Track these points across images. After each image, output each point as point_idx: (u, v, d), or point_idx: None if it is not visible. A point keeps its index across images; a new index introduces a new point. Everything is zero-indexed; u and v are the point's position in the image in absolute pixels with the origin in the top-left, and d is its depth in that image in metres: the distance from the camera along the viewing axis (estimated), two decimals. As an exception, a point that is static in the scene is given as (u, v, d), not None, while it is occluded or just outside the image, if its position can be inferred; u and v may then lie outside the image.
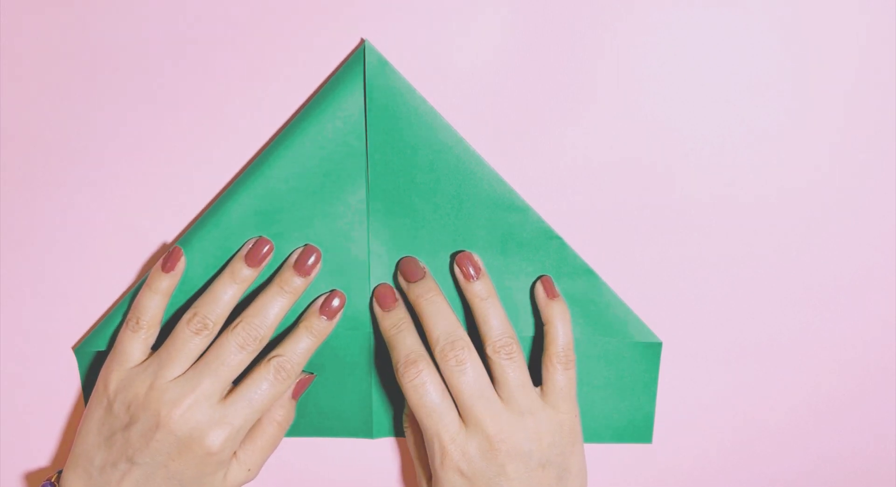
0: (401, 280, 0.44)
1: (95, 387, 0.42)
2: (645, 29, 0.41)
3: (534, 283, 0.44)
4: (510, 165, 0.43)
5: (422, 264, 0.44)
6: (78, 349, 0.45)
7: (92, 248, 0.44)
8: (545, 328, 0.43)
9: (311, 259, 0.42)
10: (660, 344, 0.46)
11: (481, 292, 0.43)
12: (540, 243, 0.44)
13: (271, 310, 0.41)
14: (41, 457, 0.48)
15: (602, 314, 0.45)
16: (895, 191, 0.44)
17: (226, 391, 0.41)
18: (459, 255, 0.43)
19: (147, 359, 0.41)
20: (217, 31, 0.41)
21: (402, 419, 0.47)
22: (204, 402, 0.40)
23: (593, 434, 0.47)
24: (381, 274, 0.44)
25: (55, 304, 0.45)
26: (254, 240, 0.42)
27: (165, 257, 0.42)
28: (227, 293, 0.41)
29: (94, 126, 0.42)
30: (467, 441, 0.40)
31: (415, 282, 0.43)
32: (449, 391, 0.41)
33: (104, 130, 0.43)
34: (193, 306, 0.41)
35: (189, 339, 0.40)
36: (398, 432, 0.48)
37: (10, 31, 0.41)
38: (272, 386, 0.41)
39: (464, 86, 0.42)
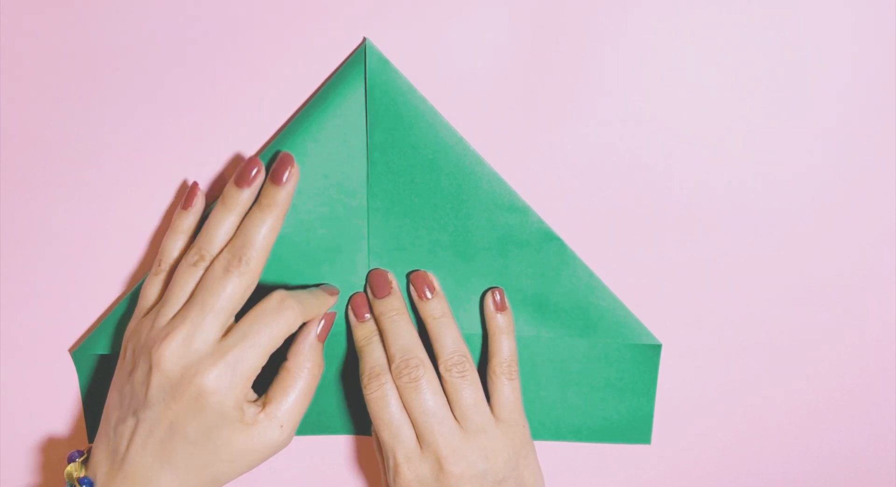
0: (368, 293, 0.44)
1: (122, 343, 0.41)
2: (645, 29, 0.41)
3: (484, 292, 0.44)
4: (510, 166, 0.43)
5: (390, 277, 0.44)
6: (76, 352, 0.45)
7: (90, 250, 0.44)
8: (490, 339, 0.44)
9: (287, 168, 0.39)
10: (659, 346, 0.46)
11: (434, 311, 0.43)
12: (540, 244, 0.44)
13: (256, 229, 0.39)
14: (39, 460, 0.47)
15: (602, 315, 0.45)
16: (895, 191, 0.44)
17: (220, 325, 0.38)
18: (414, 274, 0.43)
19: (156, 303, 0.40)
20: (217, 31, 0.41)
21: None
22: (195, 337, 0.37)
23: (592, 434, 0.47)
24: (381, 274, 0.44)
25: (52, 307, 0.45)
26: (243, 162, 0.40)
27: (185, 194, 0.41)
28: (223, 223, 0.39)
29: (93, 126, 0.42)
30: (421, 461, 0.41)
31: (380, 299, 0.43)
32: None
33: (104, 130, 0.42)
34: (195, 240, 0.40)
35: (186, 272, 0.39)
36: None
37: (10, 31, 0.41)
38: (220, 281, 0.38)
39: (464, 86, 0.42)
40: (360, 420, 0.47)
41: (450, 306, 0.44)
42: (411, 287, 0.44)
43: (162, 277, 0.41)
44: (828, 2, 0.41)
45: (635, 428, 0.47)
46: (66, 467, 0.40)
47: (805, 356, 0.47)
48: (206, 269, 0.39)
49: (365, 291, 0.44)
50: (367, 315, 0.43)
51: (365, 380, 0.42)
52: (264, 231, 0.39)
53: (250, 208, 0.40)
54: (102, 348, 0.44)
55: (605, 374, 0.46)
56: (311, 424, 0.47)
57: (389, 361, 0.42)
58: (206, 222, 0.40)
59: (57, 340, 0.45)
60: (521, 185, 0.43)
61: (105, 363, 0.45)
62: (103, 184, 0.43)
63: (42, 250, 0.44)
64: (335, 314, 0.42)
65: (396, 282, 0.44)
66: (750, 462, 0.49)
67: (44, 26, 0.41)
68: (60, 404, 0.46)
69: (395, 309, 0.43)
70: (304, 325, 0.41)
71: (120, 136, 0.43)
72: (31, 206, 0.43)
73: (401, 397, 0.42)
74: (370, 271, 0.44)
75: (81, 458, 0.40)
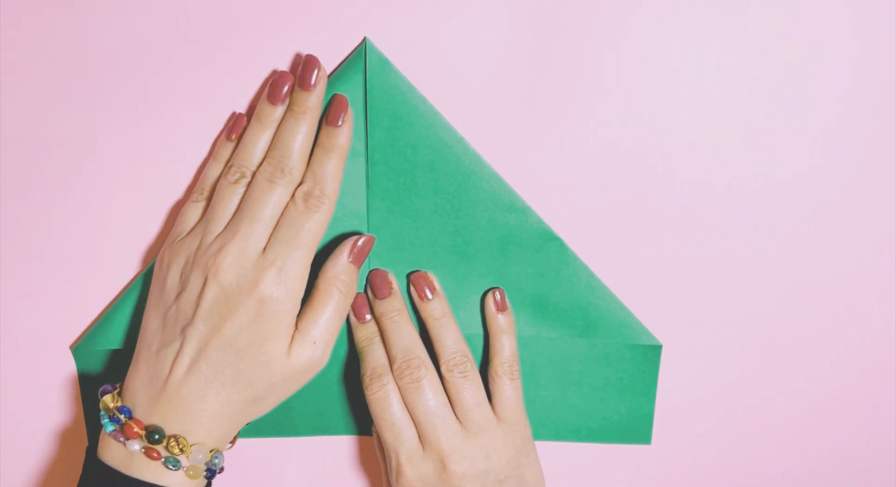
0: (368, 293, 0.44)
1: (153, 273, 0.41)
2: (645, 29, 0.41)
3: (485, 293, 0.44)
4: (510, 166, 0.43)
5: (391, 278, 0.43)
6: (76, 348, 0.45)
7: (90, 249, 0.44)
8: (490, 340, 0.44)
9: (313, 71, 0.39)
10: (660, 347, 0.46)
11: (435, 311, 0.43)
12: (540, 244, 0.44)
13: (293, 138, 0.38)
14: (39, 457, 0.47)
15: (602, 315, 0.45)
16: (895, 191, 0.44)
17: (266, 236, 0.38)
18: (414, 274, 0.43)
19: (196, 225, 0.40)
20: (218, 31, 0.41)
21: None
22: (246, 247, 0.37)
23: (592, 434, 0.47)
24: (381, 274, 0.44)
25: (53, 304, 0.45)
26: (275, 75, 0.40)
27: (230, 125, 0.41)
28: (259, 139, 0.39)
29: (93, 126, 0.42)
30: (423, 461, 0.41)
31: (381, 299, 0.43)
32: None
33: (104, 129, 0.42)
34: (229, 160, 0.40)
35: (229, 190, 0.39)
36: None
37: (10, 31, 0.41)
38: (304, 216, 0.38)
39: (464, 86, 0.42)
40: (360, 421, 0.47)
41: (450, 306, 0.44)
42: (412, 288, 0.44)
43: (202, 203, 0.41)
44: (828, 3, 0.41)
45: (635, 429, 0.47)
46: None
47: (805, 356, 0.47)
48: (249, 184, 0.39)
49: (365, 291, 0.44)
50: (368, 316, 0.43)
51: (366, 381, 0.42)
52: (300, 139, 0.39)
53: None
54: (103, 344, 0.44)
55: (605, 374, 0.46)
56: (311, 425, 0.47)
57: (391, 361, 0.42)
58: (243, 140, 0.40)
59: (57, 336, 0.45)
60: (521, 185, 0.43)
61: (105, 360, 0.45)
62: (103, 183, 0.43)
63: (42, 248, 0.44)
64: (373, 238, 0.41)
65: (397, 282, 0.44)
66: (750, 462, 0.49)
67: (44, 26, 0.41)
68: (60, 401, 0.46)
69: (395, 310, 0.43)
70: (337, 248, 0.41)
71: (120, 135, 0.43)
72: (31, 205, 0.43)
73: (403, 397, 0.42)
74: (371, 272, 0.44)
75: (115, 391, 0.39)
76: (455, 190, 0.43)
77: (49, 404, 0.46)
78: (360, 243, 0.41)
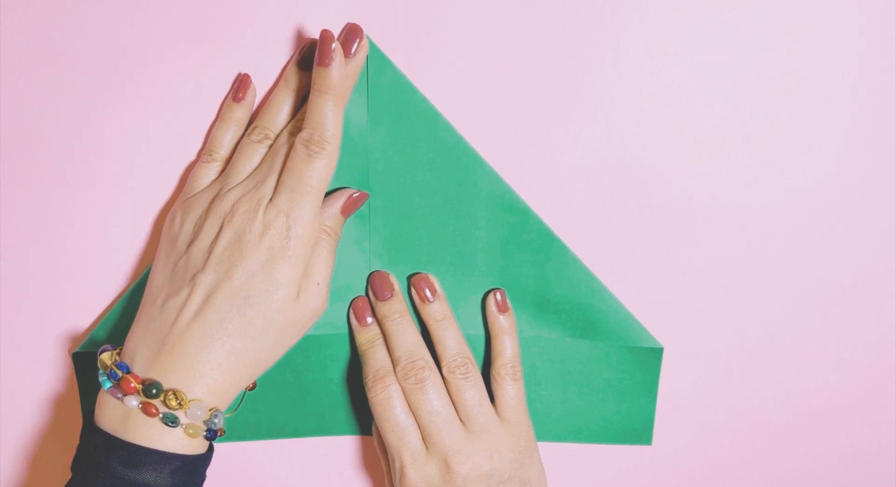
0: (370, 295, 0.44)
1: (163, 232, 0.40)
2: (646, 30, 0.41)
3: (487, 293, 0.44)
4: (510, 166, 0.43)
5: (392, 280, 0.43)
6: (75, 352, 0.45)
7: (90, 249, 0.44)
8: (493, 341, 0.44)
9: (357, 40, 0.38)
10: (661, 349, 0.45)
11: (437, 313, 0.43)
12: (540, 246, 0.43)
13: (327, 111, 0.38)
14: (39, 458, 0.48)
15: (603, 318, 0.45)
16: (895, 192, 0.44)
17: None
18: (416, 277, 0.43)
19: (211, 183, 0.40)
20: (218, 31, 0.41)
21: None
22: (265, 195, 0.38)
23: (592, 434, 0.47)
24: (381, 275, 0.44)
25: (52, 306, 0.45)
26: (307, 43, 0.40)
27: (236, 86, 0.41)
28: (286, 103, 0.40)
29: (93, 125, 0.42)
30: (427, 462, 0.41)
31: (383, 301, 0.43)
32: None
33: (104, 129, 0.42)
34: (254, 121, 0.40)
35: (251, 148, 0.40)
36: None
37: (10, 31, 0.41)
38: (306, 162, 0.38)
39: (464, 86, 0.42)
40: (360, 421, 0.47)
41: (451, 307, 0.44)
42: (413, 290, 0.43)
43: (215, 166, 0.41)
44: (829, 4, 0.41)
45: (636, 430, 0.47)
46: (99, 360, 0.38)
47: (805, 357, 0.47)
48: (275, 140, 0.40)
49: (367, 293, 0.44)
50: (370, 319, 0.43)
51: (369, 383, 0.42)
52: (333, 110, 0.38)
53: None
54: (102, 346, 0.44)
55: (606, 376, 0.46)
56: (311, 425, 0.47)
57: (394, 363, 0.42)
58: (270, 102, 0.40)
59: (56, 340, 0.45)
60: (521, 186, 0.43)
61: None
62: (103, 183, 0.43)
63: (42, 249, 0.44)
64: (366, 194, 0.42)
65: (398, 284, 0.44)
66: (750, 462, 0.49)
67: (44, 26, 0.41)
68: (59, 403, 0.46)
69: (397, 311, 0.43)
70: (330, 196, 0.41)
71: (120, 135, 0.42)
72: (31, 205, 0.43)
73: (406, 399, 0.42)
74: (372, 274, 0.44)
75: (115, 350, 0.38)
76: (455, 190, 0.43)
77: (48, 407, 0.46)
78: (354, 196, 0.41)
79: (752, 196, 0.44)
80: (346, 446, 0.48)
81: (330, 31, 0.38)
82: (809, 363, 0.47)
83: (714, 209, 0.44)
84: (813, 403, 0.48)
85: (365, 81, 0.41)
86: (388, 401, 0.41)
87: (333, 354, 0.45)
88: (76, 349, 0.44)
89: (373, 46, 0.41)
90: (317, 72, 0.38)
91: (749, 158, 0.43)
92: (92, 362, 0.44)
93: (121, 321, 0.44)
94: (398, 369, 0.42)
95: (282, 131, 0.40)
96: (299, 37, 0.41)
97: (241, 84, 0.41)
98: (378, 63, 0.41)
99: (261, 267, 0.37)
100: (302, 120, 0.39)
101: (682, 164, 0.43)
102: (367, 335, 0.43)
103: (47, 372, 0.46)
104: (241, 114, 0.41)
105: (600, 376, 0.46)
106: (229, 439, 0.46)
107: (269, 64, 0.41)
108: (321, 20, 0.41)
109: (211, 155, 0.41)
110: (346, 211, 0.41)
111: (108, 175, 0.43)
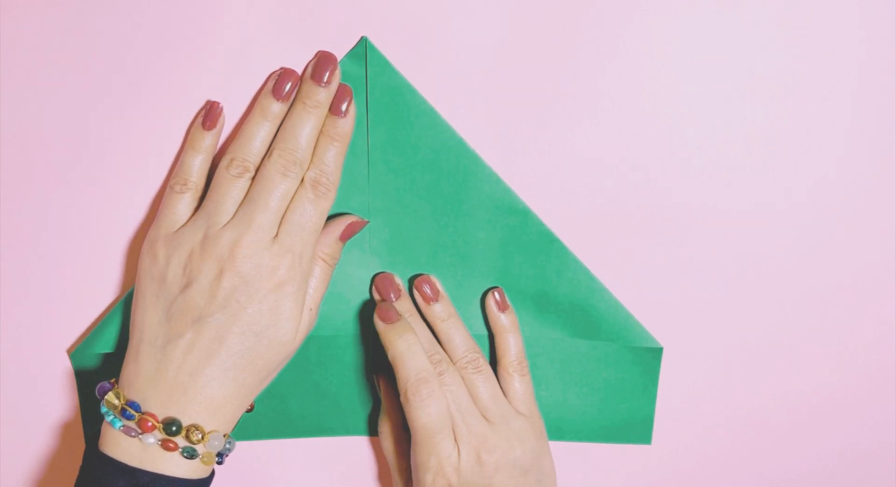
0: (374, 295, 0.44)
1: (140, 264, 0.40)
2: (647, 30, 0.41)
3: (485, 292, 0.44)
4: (510, 167, 0.43)
5: (397, 281, 0.44)
6: (74, 352, 0.45)
7: (89, 250, 0.44)
8: (496, 339, 0.44)
9: (329, 67, 0.40)
10: (660, 349, 0.45)
11: (441, 313, 0.43)
12: (540, 246, 0.43)
13: (302, 131, 0.39)
14: (39, 458, 0.48)
15: (603, 318, 0.45)
16: (895, 193, 0.44)
17: (277, 225, 0.39)
18: (418, 278, 0.44)
19: (192, 217, 0.40)
20: (217, 31, 0.41)
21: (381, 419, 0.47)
22: (262, 237, 0.38)
23: (592, 434, 0.47)
24: (381, 276, 0.44)
25: (51, 307, 0.45)
26: (278, 71, 0.40)
27: (205, 113, 0.41)
28: (260, 132, 0.40)
29: (93, 126, 0.42)
30: (459, 457, 0.41)
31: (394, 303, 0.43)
32: None
33: (104, 130, 0.42)
34: (228, 151, 0.40)
35: (232, 183, 0.39)
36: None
37: (10, 31, 0.41)
38: (314, 204, 0.39)
39: (464, 85, 0.42)
40: (359, 421, 0.47)
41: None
42: (416, 292, 0.44)
43: (189, 195, 0.41)
44: (829, 4, 0.41)
45: (636, 429, 0.47)
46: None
47: (805, 357, 0.47)
48: (259, 172, 0.39)
49: (370, 294, 0.44)
50: (398, 318, 0.43)
51: (412, 386, 0.41)
52: (309, 131, 0.40)
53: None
54: (101, 347, 0.44)
55: (605, 375, 0.46)
56: (310, 426, 0.47)
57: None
58: (243, 131, 0.40)
59: (55, 340, 0.45)
60: (521, 186, 0.43)
61: (103, 362, 0.45)
62: (103, 184, 0.43)
63: (40, 251, 0.44)
64: (366, 221, 0.43)
65: (405, 286, 0.44)
66: (750, 462, 0.49)
67: (44, 26, 0.41)
68: (59, 403, 0.46)
69: (406, 311, 0.43)
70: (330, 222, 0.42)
71: (120, 136, 0.42)
72: (31, 206, 0.43)
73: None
74: (376, 276, 0.44)
75: (113, 389, 0.39)
76: (455, 191, 0.43)
77: (47, 406, 0.46)
78: (352, 223, 0.42)
79: (751, 196, 0.44)
80: (346, 446, 0.48)
81: (347, 86, 0.40)
82: (809, 363, 0.47)
83: (714, 209, 0.44)
84: (813, 403, 0.48)
85: (364, 82, 0.41)
86: (437, 403, 0.41)
87: (333, 355, 0.45)
88: (74, 350, 0.45)
89: (372, 48, 0.41)
90: (331, 119, 0.40)
91: (749, 159, 0.43)
92: (91, 362, 0.45)
93: (120, 322, 0.44)
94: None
95: (262, 162, 0.40)
96: (298, 37, 0.41)
97: (210, 112, 0.41)
98: (377, 64, 0.41)
99: (270, 306, 0.39)
100: (280, 149, 0.39)
101: (682, 164, 0.43)
102: (398, 331, 0.42)
103: (47, 372, 0.46)
104: (210, 141, 0.41)
105: (600, 376, 0.46)
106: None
107: (270, 64, 0.41)
108: (321, 20, 0.41)
109: (185, 184, 0.40)
110: (345, 237, 0.42)
111: (108, 176, 0.43)
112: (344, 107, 0.40)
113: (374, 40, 0.41)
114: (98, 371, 0.45)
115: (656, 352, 0.45)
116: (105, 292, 0.45)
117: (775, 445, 0.48)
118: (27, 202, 0.43)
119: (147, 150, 0.43)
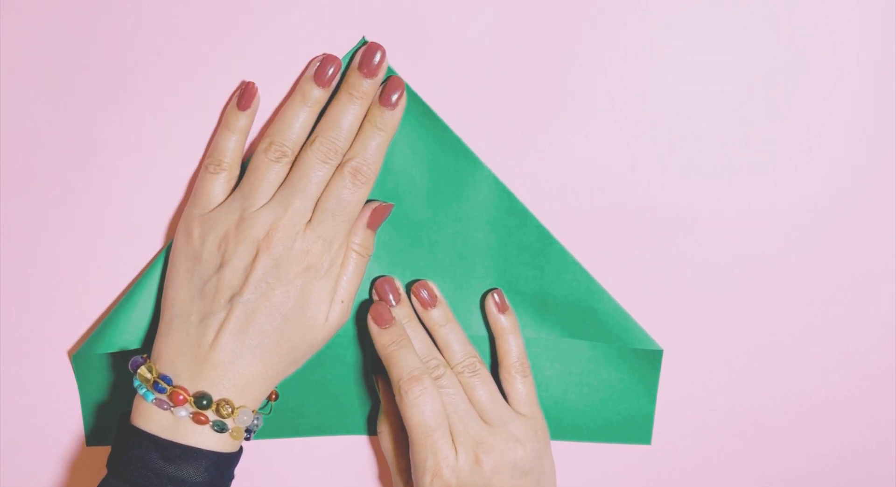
0: (374, 297, 0.44)
1: (175, 241, 0.41)
2: (647, 31, 0.41)
3: (485, 294, 0.44)
4: (510, 169, 0.43)
5: (397, 284, 0.44)
6: (75, 354, 0.45)
7: (90, 251, 0.44)
8: (497, 341, 0.44)
9: (377, 57, 0.40)
10: (660, 351, 0.45)
11: (439, 318, 0.44)
12: (540, 248, 0.43)
13: (346, 120, 0.40)
14: (39, 458, 0.48)
15: (602, 320, 0.45)
16: (894, 194, 0.44)
17: (311, 210, 0.40)
18: (416, 284, 0.44)
19: (227, 198, 0.41)
20: (217, 31, 0.41)
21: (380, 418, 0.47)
22: (297, 221, 0.39)
23: (592, 434, 0.47)
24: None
25: (51, 307, 0.45)
26: (320, 57, 0.40)
27: (240, 94, 0.41)
28: (299, 117, 0.40)
29: (94, 126, 0.42)
30: (457, 458, 0.41)
31: (394, 307, 0.44)
32: None
33: (105, 130, 0.42)
34: (267, 134, 0.40)
35: (270, 167, 0.40)
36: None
37: (10, 31, 0.41)
38: (352, 192, 0.40)
39: (464, 86, 0.42)
40: (360, 421, 0.47)
41: (451, 308, 0.44)
42: (413, 298, 0.44)
43: (223, 175, 0.41)
44: (829, 4, 0.41)
45: (636, 429, 0.47)
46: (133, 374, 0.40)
47: (804, 358, 0.47)
48: (299, 157, 0.40)
49: (370, 296, 0.44)
50: (392, 322, 0.43)
51: (404, 385, 0.41)
52: (352, 120, 0.40)
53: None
54: (102, 348, 0.44)
55: (605, 377, 0.46)
56: (312, 425, 0.47)
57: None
58: (283, 115, 0.40)
59: (55, 341, 0.45)
60: (520, 188, 0.43)
61: (103, 364, 0.45)
62: (103, 184, 0.43)
63: (42, 250, 0.44)
64: (391, 205, 0.42)
65: (403, 290, 0.44)
66: (750, 462, 0.49)
67: (44, 27, 0.41)
68: (59, 405, 0.46)
69: (406, 316, 0.44)
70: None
71: (121, 136, 0.42)
72: (31, 206, 0.43)
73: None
74: (376, 279, 0.44)
75: (146, 363, 0.40)
76: (454, 193, 0.43)
77: (48, 408, 0.46)
78: (377, 207, 0.42)
79: (751, 197, 0.44)
80: (346, 446, 0.48)
81: (400, 78, 0.40)
82: (809, 363, 0.47)
83: (713, 210, 0.44)
84: (813, 403, 0.48)
85: (364, 83, 0.41)
86: (431, 401, 0.41)
87: (333, 354, 0.45)
88: (75, 352, 0.45)
89: (371, 48, 0.41)
90: (379, 110, 0.40)
91: (749, 159, 0.43)
92: (91, 363, 0.44)
93: (121, 322, 0.44)
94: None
95: (303, 147, 0.40)
96: (298, 37, 0.41)
97: (245, 92, 0.41)
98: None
99: (298, 289, 0.39)
100: (323, 136, 0.40)
101: (682, 165, 0.43)
102: (391, 337, 0.43)
103: (46, 372, 0.46)
104: (244, 122, 0.41)
105: (600, 376, 0.46)
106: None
107: (270, 64, 0.41)
108: (321, 20, 0.41)
109: (219, 165, 0.41)
110: (373, 225, 0.42)
111: (108, 176, 0.43)
112: (395, 98, 0.40)
113: (374, 40, 0.41)
114: (100, 371, 0.45)
115: (656, 354, 0.45)
116: (106, 293, 0.45)
117: (775, 445, 0.48)
118: (27, 202, 0.43)
119: (148, 150, 0.43)
